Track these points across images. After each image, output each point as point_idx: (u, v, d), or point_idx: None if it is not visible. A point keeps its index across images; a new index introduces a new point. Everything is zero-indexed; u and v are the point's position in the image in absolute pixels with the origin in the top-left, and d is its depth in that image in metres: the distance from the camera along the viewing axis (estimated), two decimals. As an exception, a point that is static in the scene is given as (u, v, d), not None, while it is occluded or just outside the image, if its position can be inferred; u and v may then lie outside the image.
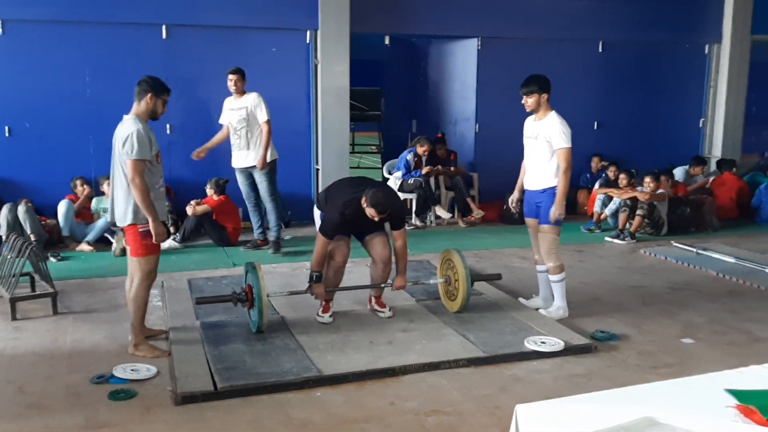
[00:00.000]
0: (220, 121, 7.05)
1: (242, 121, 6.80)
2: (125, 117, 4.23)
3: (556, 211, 4.84)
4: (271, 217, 7.04)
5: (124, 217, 4.19)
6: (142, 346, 4.29)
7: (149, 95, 4.21)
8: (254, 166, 6.86)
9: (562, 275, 5.02)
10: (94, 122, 7.59)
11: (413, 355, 4.19)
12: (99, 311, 5.15)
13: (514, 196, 5.30)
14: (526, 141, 5.05)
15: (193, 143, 7.98)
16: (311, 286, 4.73)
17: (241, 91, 6.83)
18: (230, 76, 6.79)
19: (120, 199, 4.20)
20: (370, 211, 4.56)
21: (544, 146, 4.85)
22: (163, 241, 4.25)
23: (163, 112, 4.35)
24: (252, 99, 6.78)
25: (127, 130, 4.10)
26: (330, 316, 4.85)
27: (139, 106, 4.23)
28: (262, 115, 6.74)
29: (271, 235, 7.13)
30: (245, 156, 6.86)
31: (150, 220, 4.12)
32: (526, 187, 5.10)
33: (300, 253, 6.95)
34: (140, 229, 4.16)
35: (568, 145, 4.79)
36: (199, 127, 7.80)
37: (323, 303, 4.88)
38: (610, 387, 3.17)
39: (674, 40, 10.20)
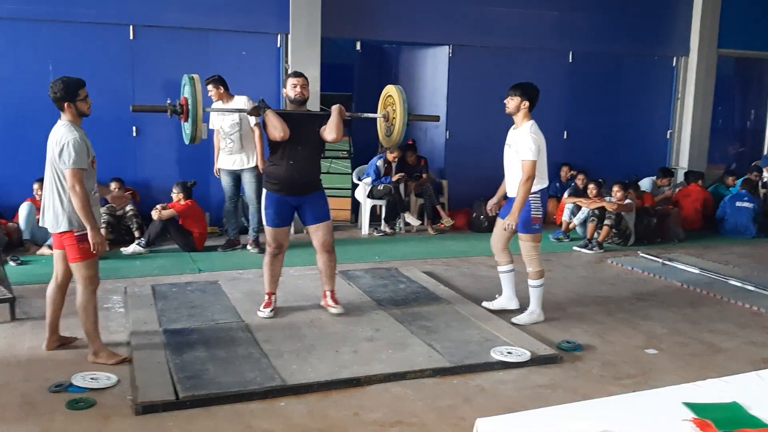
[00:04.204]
0: (210, 127, 7.07)
1: (235, 126, 6.89)
2: (59, 122, 4.09)
3: (506, 221, 4.95)
4: (254, 219, 7.14)
5: (56, 223, 4.07)
6: (102, 353, 4.20)
7: (65, 104, 4.05)
8: (243, 169, 7.01)
9: (540, 281, 5.12)
10: (58, 123, 7.44)
11: (378, 365, 4.17)
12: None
13: (492, 200, 5.39)
14: (505, 149, 5.14)
15: (159, 146, 7.92)
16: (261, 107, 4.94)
17: (227, 96, 6.91)
18: (208, 87, 6.80)
19: (49, 205, 4.10)
20: (291, 83, 4.96)
21: (516, 156, 4.93)
22: (102, 251, 4.12)
23: (90, 103, 4.14)
24: (243, 103, 6.84)
25: (63, 138, 3.98)
26: (271, 311, 4.99)
27: (66, 115, 4.08)
28: (253, 119, 6.77)
29: (252, 235, 7.23)
30: (237, 159, 7.00)
31: (88, 228, 4.01)
32: (507, 194, 5.19)
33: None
34: (76, 234, 4.05)
35: (533, 158, 4.83)
36: (166, 130, 7.68)
37: (266, 299, 5.01)
38: (573, 398, 3.19)
39: (643, 52, 10.34)
